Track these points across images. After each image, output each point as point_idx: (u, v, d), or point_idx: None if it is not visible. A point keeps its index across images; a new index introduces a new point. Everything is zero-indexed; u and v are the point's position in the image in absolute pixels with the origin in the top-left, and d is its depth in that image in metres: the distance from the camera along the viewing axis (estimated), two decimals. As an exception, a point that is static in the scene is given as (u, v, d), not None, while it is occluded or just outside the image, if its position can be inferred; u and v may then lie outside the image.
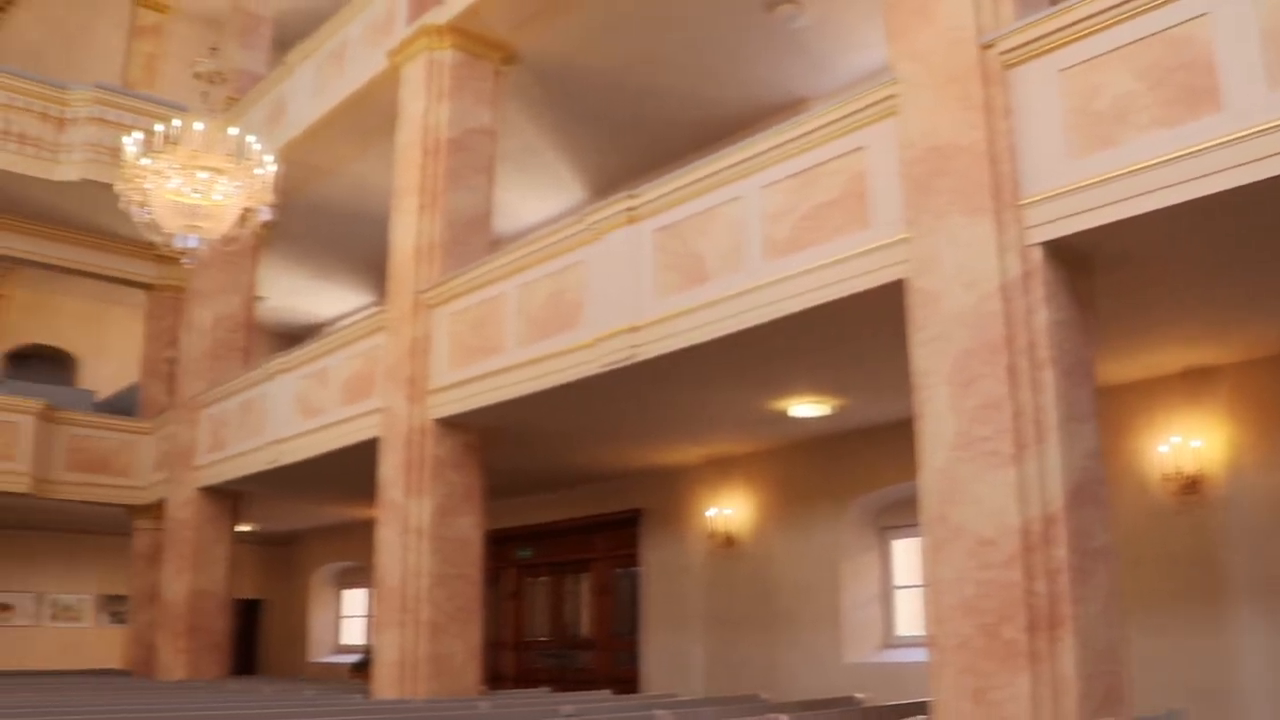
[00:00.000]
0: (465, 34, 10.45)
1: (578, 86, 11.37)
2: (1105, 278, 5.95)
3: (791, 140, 6.95)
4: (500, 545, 14.14)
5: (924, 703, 6.26)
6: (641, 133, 12.26)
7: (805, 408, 9.64)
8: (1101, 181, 5.33)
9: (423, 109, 10.43)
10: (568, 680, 13.46)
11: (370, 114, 11.99)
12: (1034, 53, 5.72)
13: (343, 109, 12.21)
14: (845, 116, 6.65)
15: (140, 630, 15.74)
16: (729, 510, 12.06)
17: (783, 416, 9.94)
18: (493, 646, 13.74)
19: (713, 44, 10.69)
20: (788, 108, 11.25)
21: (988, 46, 5.86)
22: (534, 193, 13.64)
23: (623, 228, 8.07)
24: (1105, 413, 6.04)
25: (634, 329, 7.79)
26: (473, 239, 10.20)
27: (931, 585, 5.65)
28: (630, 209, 8.01)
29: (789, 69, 11.17)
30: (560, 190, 13.63)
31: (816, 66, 11.13)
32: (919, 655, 10.12)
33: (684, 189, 7.68)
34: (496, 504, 10.94)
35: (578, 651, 14.18)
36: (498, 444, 10.04)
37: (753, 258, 7.10)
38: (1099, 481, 5.62)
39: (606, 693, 10.01)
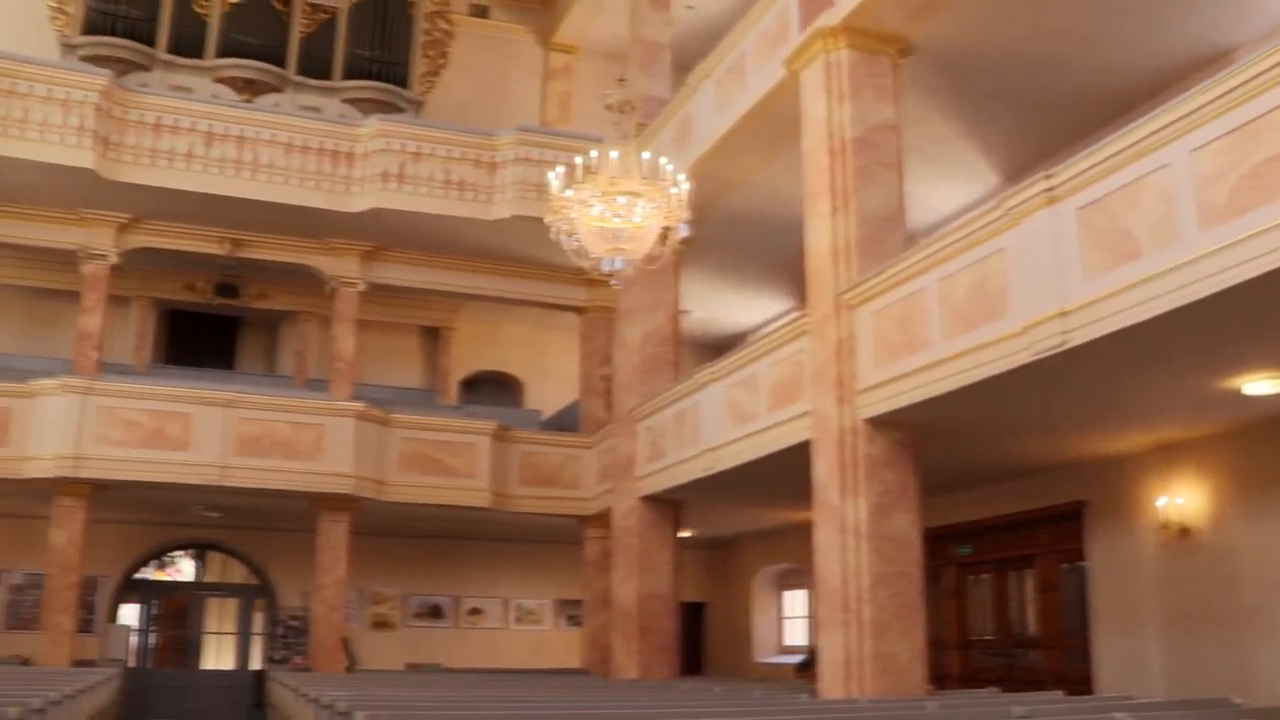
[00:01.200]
0: (859, 32, 10.37)
1: (978, 69, 11.03)
2: None
3: (1223, 95, 6.42)
4: (938, 543, 13.88)
5: None
6: (1051, 109, 11.72)
7: (1262, 384, 8.83)
8: None
9: (825, 111, 10.47)
10: (1015, 680, 12.99)
11: (773, 122, 12.15)
12: None
13: (746, 121, 12.45)
14: (1287, 60, 6.08)
15: (595, 632, 16.66)
16: (1181, 499, 11.26)
17: (1236, 395, 9.16)
18: (936, 646, 13.49)
19: (1120, 4, 10.07)
20: (1212, 61, 10.40)
21: None
22: (944, 183, 13.37)
23: (1042, 209, 7.77)
24: None
25: (1063, 314, 7.47)
26: (887, 236, 10.12)
27: None
28: (1049, 189, 7.70)
29: (1210, 18, 10.31)
30: (971, 177, 13.28)
31: (1241, 10, 10.20)
32: None
33: (1104, 163, 7.28)
34: (932, 501, 10.73)
35: (1024, 650, 13.66)
36: (929, 440, 9.86)
37: (1188, 227, 6.64)
38: None
39: (1058, 694, 9.61)
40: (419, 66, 19.30)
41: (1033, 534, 13.48)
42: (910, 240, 10.33)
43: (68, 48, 17.39)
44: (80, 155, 14.39)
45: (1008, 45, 10.58)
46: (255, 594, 18.91)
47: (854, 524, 9.47)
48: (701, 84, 13.49)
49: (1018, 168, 12.57)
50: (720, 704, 8.42)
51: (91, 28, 17.41)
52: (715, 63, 13.17)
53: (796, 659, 17.89)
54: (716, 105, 13.09)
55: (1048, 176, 7.70)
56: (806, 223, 10.63)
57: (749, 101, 12.26)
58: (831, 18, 10.41)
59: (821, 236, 10.31)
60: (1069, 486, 12.66)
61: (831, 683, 9.45)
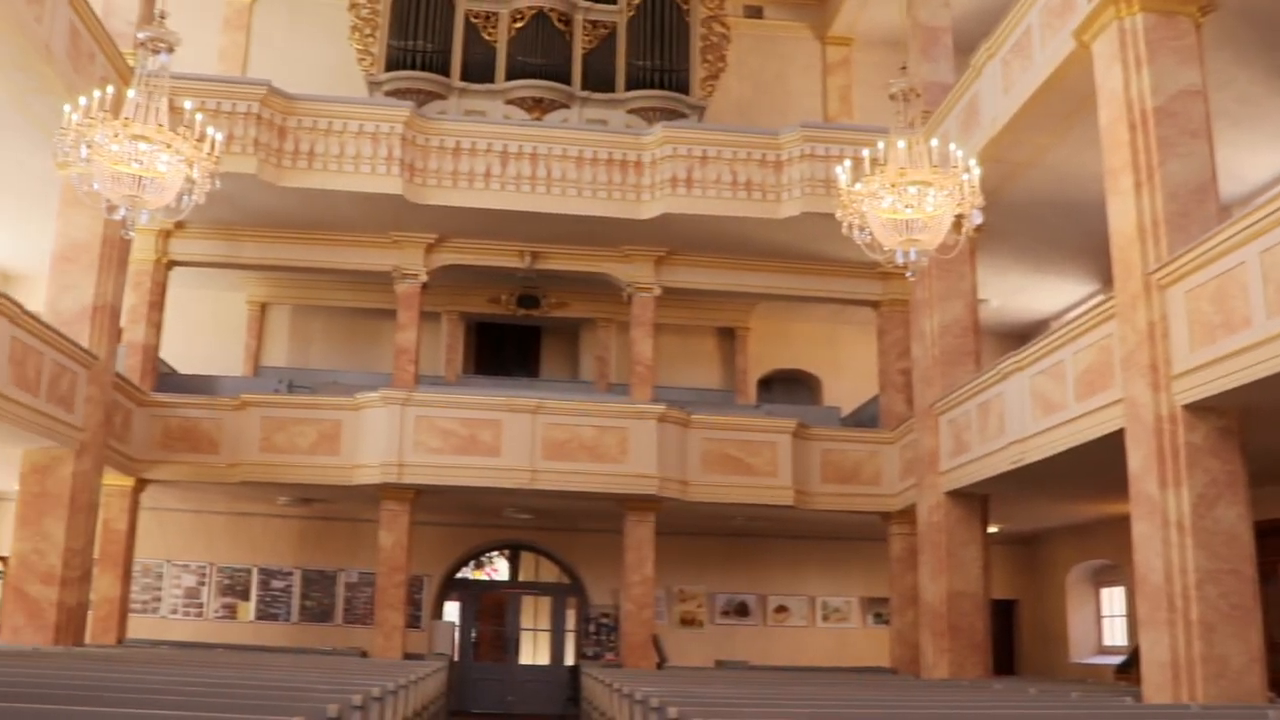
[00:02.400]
0: (1152, -7, 9.81)
1: (1295, 17, 10.19)
2: None
3: None
4: (1270, 538, 12.85)
5: None
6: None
7: None
8: None
9: (1121, 82, 9.94)
10: (1374, 691, 11.89)
11: (1063, 99, 11.64)
12: None
13: (1034, 99, 11.95)
14: None
15: (902, 630, 16.38)
16: None
17: None
18: (1271, 650, 12.55)
19: None
20: None
21: None
22: (1257, 148, 12.45)
23: (1379, 170, 7.12)
24: None
25: None
26: (1197, 209, 9.49)
27: None
28: (1385, 147, 7.05)
29: None
30: (1290, 139, 12.32)
31: None
32: None
33: None
34: (1260, 492, 10.00)
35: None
36: (1257, 425, 9.19)
37: None
38: None
39: None
40: (698, 72, 19.52)
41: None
42: (1223, 213, 9.66)
43: (374, 85, 18.67)
44: (390, 182, 15.44)
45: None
46: (567, 592, 19.66)
47: (1176, 517, 8.93)
48: (986, 65, 13.06)
49: (1346, 124, 11.58)
50: (1037, 705, 8.11)
51: (393, 64, 18.66)
52: (1000, 41, 12.73)
53: (1117, 660, 17.04)
54: (1003, 86, 12.64)
55: (1383, 133, 7.07)
56: (1108, 201, 10.12)
57: (1037, 79, 11.78)
58: (1124, -19, 9.87)
59: (1125, 215, 9.80)
60: None
61: (1157, 687, 8.95)
